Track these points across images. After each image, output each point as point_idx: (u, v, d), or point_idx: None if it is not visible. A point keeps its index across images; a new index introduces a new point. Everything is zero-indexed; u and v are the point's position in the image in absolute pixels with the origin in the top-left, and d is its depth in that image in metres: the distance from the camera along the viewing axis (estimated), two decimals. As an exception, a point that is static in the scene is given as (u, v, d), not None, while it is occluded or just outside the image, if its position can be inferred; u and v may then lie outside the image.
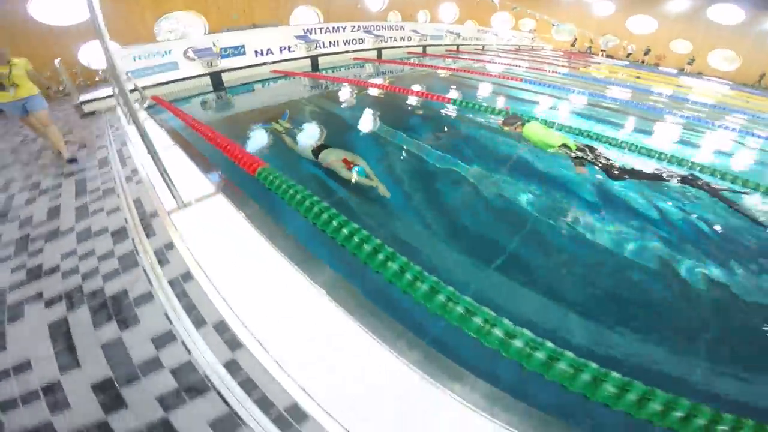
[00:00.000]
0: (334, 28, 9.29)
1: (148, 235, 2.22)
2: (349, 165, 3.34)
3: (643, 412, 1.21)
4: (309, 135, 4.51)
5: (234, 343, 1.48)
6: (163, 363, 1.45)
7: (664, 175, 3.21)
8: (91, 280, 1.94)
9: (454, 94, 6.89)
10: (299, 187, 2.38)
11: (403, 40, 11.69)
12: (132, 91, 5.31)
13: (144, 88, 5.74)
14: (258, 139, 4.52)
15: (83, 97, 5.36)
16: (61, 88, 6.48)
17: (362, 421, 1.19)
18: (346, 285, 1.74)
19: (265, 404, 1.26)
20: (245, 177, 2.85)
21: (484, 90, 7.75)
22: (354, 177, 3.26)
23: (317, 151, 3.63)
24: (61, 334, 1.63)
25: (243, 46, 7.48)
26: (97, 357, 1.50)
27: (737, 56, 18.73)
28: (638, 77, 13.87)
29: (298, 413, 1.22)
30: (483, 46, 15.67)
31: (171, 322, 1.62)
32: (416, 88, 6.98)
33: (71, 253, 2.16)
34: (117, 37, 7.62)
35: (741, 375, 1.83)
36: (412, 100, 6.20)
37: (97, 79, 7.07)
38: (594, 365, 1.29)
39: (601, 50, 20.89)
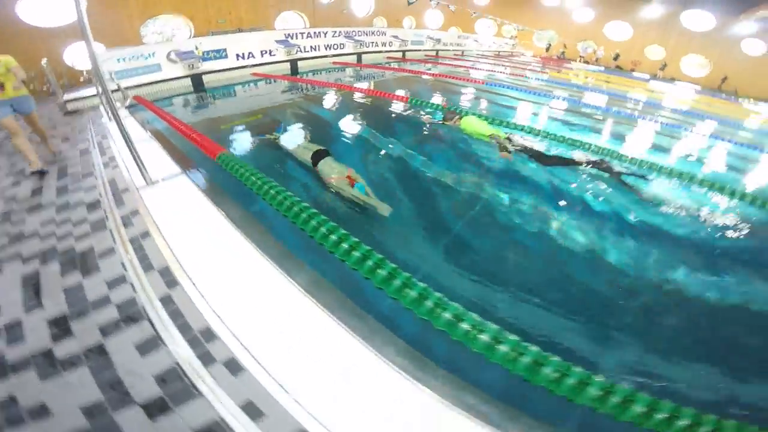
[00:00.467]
0: (315, 33, 9.72)
1: (117, 205, 2.58)
2: (351, 181, 3.21)
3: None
4: (302, 138, 4.49)
5: (171, 282, 1.84)
6: (111, 300, 1.81)
7: (576, 159, 3.68)
8: (64, 241, 2.29)
9: (413, 94, 7.35)
10: (255, 170, 2.75)
11: (384, 45, 12.15)
12: (114, 91, 5.64)
13: (127, 88, 6.09)
14: (251, 147, 4.58)
15: (67, 96, 5.67)
16: (45, 88, 6.78)
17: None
18: (288, 253, 2.12)
19: (186, 328, 1.62)
20: (210, 164, 3.23)
21: (444, 90, 8.23)
22: (357, 195, 3.11)
23: (316, 157, 3.55)
24: (32, 284, 1.97)
25: (225, 50, 7.86)
26: (58, 299, 1.85)
27: (708, 62, 19.58)
28: (607, 81, 14.54)
29: (212, 338, 1.58)
30: (462, 52, 16.20)
31: (125, 269, 1.98)
32: (391, 90, 7.43)
33: (50, 221, 2.51)
34: (103, 39, 7.97)
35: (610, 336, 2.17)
36: (384, 102, 6.62)
37: (81, 79, 7.37)
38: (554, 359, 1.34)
39: (579, 56, 21.62)
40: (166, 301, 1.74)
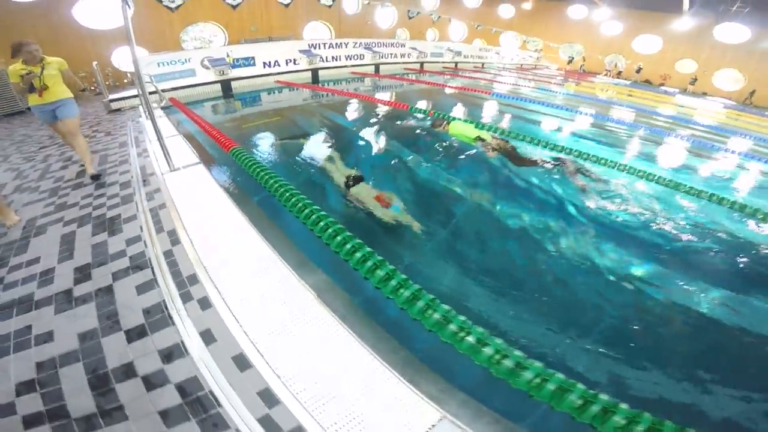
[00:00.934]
0: (337, 44, 10.28)
1: (144, 185, 3.04)
2: (384, 203, 3.21)
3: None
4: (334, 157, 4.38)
5: (175, 241, 2.21)
6: (126, 253, 2.20)
7: (538, 159, 3.90)
8: (98, 210, 2.74)
9: (420, 103, 7.66)
10: (263, 165, 3.12)
11: (403, 56, 12.59)
12: (153, 92, 6.30)
13: (164, 90, 6.77)
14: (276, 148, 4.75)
15: (111, 96, 6.41)
16: (92, 88, 7.63)
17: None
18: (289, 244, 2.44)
19: (177, 274, 1.97)
20: (225, 158, 3.67)
21: (455, 100, 8.48)
22: (390, 215, 3.11)
23: (349, 183, 3.52)
24: (68, 242, 2.40)
25: (253, 58, 8.52)
26: (86, 252, 2.26)
27: (742, 76, 18.69)
28: (630, 95, 14.26)
29: (194, 282, 1.92)
30: (483, 64, 16.37)
31: (141, 230, 2.38)
32: (404, 100, 7.79)
33: (88, 196, 2.99)
34: (146, 44, 8.85)
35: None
36: (391, 110, 6.95)
37: (125, 81, 8.21)
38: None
39: (606, 70, 21.21)
40: (168, 255, 2.11)
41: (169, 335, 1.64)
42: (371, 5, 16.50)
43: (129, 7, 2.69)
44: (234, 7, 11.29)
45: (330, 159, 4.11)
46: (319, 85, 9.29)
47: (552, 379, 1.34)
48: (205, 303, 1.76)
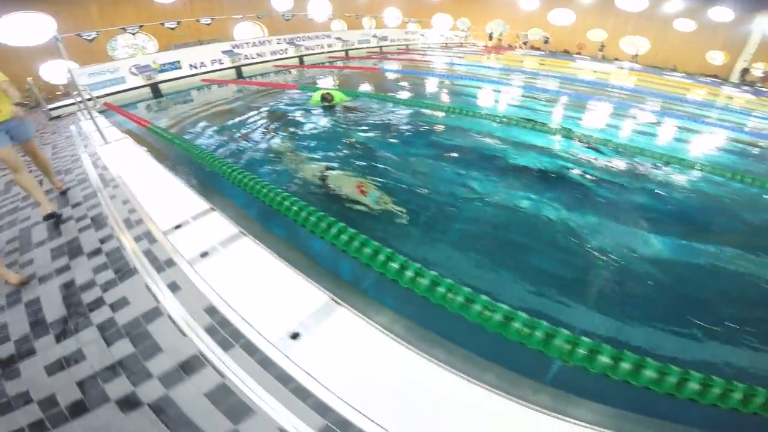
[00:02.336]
0: (260, 41, 11.54)
1: (81, 152, 4.44)
2: (363, 192, 3.34)
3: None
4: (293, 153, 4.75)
5: (103, 187, 3.67)
6: (87, 215, 3.64)
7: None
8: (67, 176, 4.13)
9: (327, 84, 9.21)
10: (197, 145, 4.58)
11: (330, 46, 13.98)
12: (88, 99, 7.44)
13: (98, 97, 7.89)
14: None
15: (50, 106, 7.52)
16: (26, 102, 8.62)
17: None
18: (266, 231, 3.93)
19: (130, 224, 3.44)
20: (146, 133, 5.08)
21: (362, 79, 10.10)
22: (368, 203, 3.26)
23: (325, 173, 3.71)
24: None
25: (179, 61, 9.68)
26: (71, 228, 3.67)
27: (646, 41, 21.39)
28: (542, 63, 16.41)
29: (153, 240, 3.40)
30: (407, 46, 18.00)
31: (92, 183, 3.82)
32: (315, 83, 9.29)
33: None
34: (75, 57, 9.73)
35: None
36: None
37: (57, 93, 9.19)
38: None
39: (522, 42, 23.36)
40: (110, 195, 3.58)
41: (136, 283, 2.38)
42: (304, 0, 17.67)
43: (59, 41, 4.04)
44: (173, 29, 12.19)
45: (290, 150, 4.52)
46: (245, 79, 10.58)
47: (540, 327, 1.65)
48: (150, 237, 3.23)
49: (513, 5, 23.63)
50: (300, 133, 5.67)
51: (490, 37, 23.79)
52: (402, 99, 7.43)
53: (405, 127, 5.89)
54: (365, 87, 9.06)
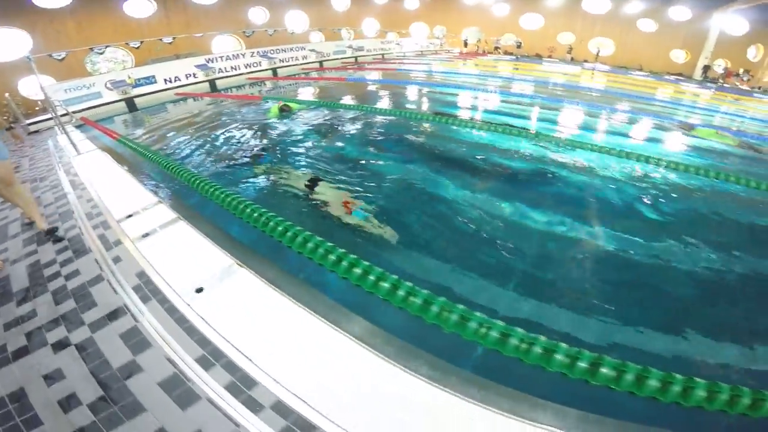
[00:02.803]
0: (234, 55, 12.12)
1: (59, 165, 4.91)
2: (348, 208, 3.30)
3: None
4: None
5: (76, 184, 4.15)
6: (56, 210, 4.11)
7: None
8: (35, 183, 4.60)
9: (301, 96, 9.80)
10: (171, 160, 5.06)
11: (305, 58, 14.63)
12: (63, 115, 7.90)
13: (75, 111, 8.35)
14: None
15: (29, 121, 7.97)
16: (5, 118, 9.04)
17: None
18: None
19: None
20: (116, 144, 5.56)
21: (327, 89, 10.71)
22: (354, 222, 3.22)
23: (313, 181, 3.73)
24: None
25: (154, 76, 10.20)
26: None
27: (611, 42, 22.45)
28: (516, 68, 17.25)
29: (107, 228, 3.88)
30: (383, 56, 18.75)
31: (63, 188, 4.29)
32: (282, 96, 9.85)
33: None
34: (52, 72, 10.19)
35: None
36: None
37: (36, 108, 9.64)
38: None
39: (495, 48, 24.32)
40: (75, 186, 4.05)
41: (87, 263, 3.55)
42: (280, 13, 18.37)
43: (31, 60, 4.54)
44: (137, 48, 12.62)
45: (273, 164, 4.63)
46: (219, 92, 11.13)
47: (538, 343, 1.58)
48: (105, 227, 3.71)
49: (486, 12, 24.62)
50: (258, 141, 6.21)
51: (465, 44, 24.75)
52: (357, 106, 8.02)
53: (361, 132, 6.46)
54: (328, 96, 9.68)
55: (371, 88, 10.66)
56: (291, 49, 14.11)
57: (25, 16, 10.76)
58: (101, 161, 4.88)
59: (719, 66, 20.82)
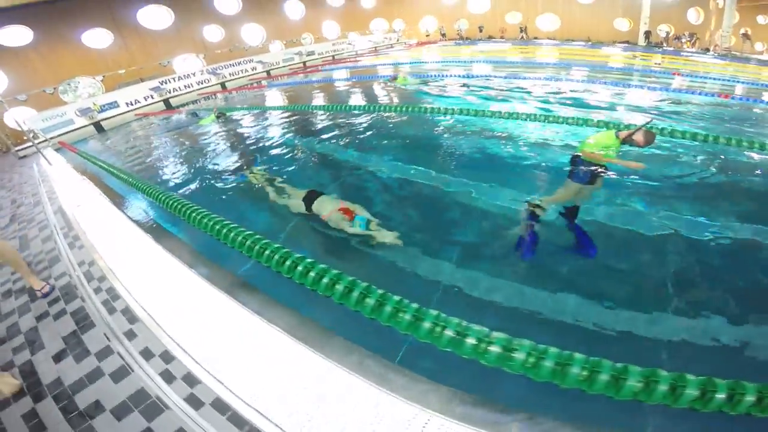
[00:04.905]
0: (184, 75, 14.54)
1: (41, 179, 7.33)
2: (350, 215, 3.33)
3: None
4: (289, 182, 4.75)
5: (52, 197, 6.54)
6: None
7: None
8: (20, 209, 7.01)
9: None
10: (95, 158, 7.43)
11: (254, 69, 16.98)
12: (41, 141, 10.38)
13: (52, 137, 10.83)
14: (236, 190, 5.22)
15: (17, 149, 10.49)
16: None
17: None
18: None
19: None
20: (73, 156, 7.98)
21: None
22: (358, 230, 3.24)
23: (309, 200, 3.72)
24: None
25: (116, 101, 12.68)
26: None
27: (557, 17, 24.15)
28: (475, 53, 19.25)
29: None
30: (333, 57, 20.94)
31: (40, 186, 6.70)
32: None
33: (12, 190, 7.25)
34: (33, 104, 12.50)
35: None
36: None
37: (24, 138, 12.14)
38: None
39: (457, 34, 26.24)
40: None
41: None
42: (235, 28, 20.65)
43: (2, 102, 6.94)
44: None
45: (267, 182, 4.65)
46: (172, 108, 13.57)
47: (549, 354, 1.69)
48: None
49: (437, 1, 26.55)
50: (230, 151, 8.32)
51: (428, 34, 26.74)
52: (277, 106, 10.29)
53: (292, 128, 8.49)
54: (253, 102, 12.03)
55: (290, 89, 13.05)
56: (239, 63, 16.45)
57: None
58: (77, 181, 6.75)
59: (662, 31, 22.34)
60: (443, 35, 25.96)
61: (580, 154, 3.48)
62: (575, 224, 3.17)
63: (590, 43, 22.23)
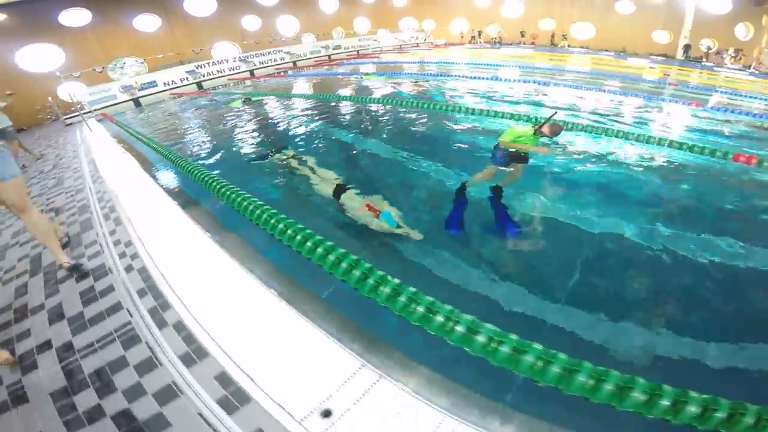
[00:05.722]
0: (218, 61, 15.76)
1: (82, 144, 8.51)
2: (375, 212, 3.39)
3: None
4: (321, 168, 4.75)
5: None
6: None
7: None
8: (52, 173, 8.20)
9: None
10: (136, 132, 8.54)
11: (283, 59, 18.05)
12: (87, 112, 11.74)
13: (96, 109, 12.21)
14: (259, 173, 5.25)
15: (64, 118, 11.93)
16: (49, 116, 13.12)
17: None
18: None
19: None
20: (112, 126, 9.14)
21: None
22: (384, 226, 3.30)
23: (338, 191, 3.83)
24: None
25: (155, 81, 14.01)
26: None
27: (592, 26, 23.79)
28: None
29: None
30: (358, 52, 21.74)
31: (77, 155, 7.84)
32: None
33: (55, 156, 8.46)
34: (83, 79, 14.13)
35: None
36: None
37: (72, 108, 13.69)
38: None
39: (492, 38, 26.33)
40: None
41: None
42: (272, 19, 21.91)
43: (60, 76, 8.12)
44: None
45: (303, 164, 4.70)
46: (204, 90, 14.78)
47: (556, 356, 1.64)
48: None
49: (470, 4, 26.79)
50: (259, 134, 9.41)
51: (462, 36, 27.05)
52: (299, 94, 11.14)
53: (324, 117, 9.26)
54: (283, 89, 12.96)
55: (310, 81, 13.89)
56: (269, 53, 17.54)
57: (54, 33, 14.36)
58: (114, 149, 7.85)
59: (703, 46, 21.55)
60: (473, 38, 26.14)
61: (499, 142, 4.07)
62: (500, 204, 3.65)
63: (623, 54, 21.80)
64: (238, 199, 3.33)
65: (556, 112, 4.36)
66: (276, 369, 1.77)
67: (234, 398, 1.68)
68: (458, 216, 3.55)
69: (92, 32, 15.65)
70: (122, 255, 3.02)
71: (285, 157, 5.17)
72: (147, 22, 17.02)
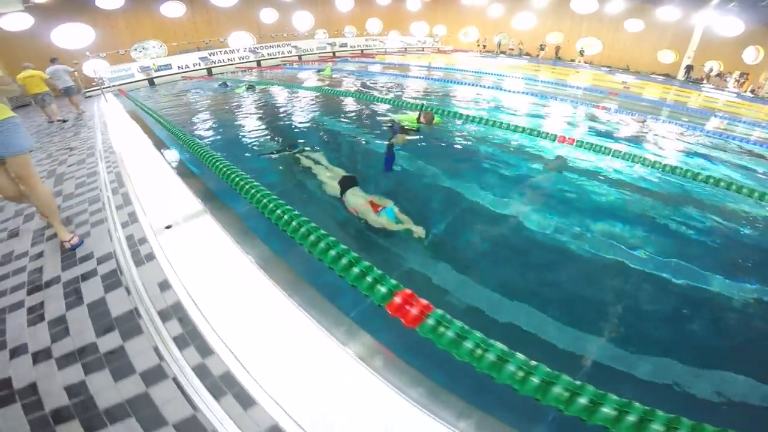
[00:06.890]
0: (229, 50, 17.38)
1: (98, 117, 10.14)
2: (376, 208, 3.44)
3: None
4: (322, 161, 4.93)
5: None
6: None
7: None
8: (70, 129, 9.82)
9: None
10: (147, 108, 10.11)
11: (290, 52, 19.57)
12: (106, 87, 13.46)
13: (115, 85, 13.93)
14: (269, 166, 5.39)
15: (85, 90, 13.69)
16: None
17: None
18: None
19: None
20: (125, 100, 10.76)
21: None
22: (385, 222, 3.35)
23: (344, 185, 3.92)
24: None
25: (170, 64, 15.71)
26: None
27: (598, 41, 24.35)
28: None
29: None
30: (362, 51, 23.06)
31: (91, 128, 9.43)
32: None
33: (68, 130, 10.10)
34: (108, 57, 15.96)
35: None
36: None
37: (93, 83, 15.49)
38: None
39: (510, 48, 27.15)
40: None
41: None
42: (289, 13, 23.49)
43: (89, 55, 9.74)
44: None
45: (308, 158, 4.89)
46: (211, 75, 16.39)
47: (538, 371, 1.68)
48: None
49: (482, 11, 27.72)
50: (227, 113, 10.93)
51: (478, 44, 28.03)
52: (295, 85, 12.55)
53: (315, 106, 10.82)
54: (282, 79, 14.40)
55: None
56: (278, 45, 19.09)
57: (88, 13, 15.88)
58: (127, 121, 8.82)
59: (707, 67, 21.80)
60: (484, 46, 27.10)
61: (399, 120, 6.04)
62: (390, 153, 5.11)
63: (627, 71, 22.31)
64: (242, 184, 3.47)
65: (423, 104, 5.83)
66: (281, 372, 1.80)
67: (236, 399, 1.71)
68: (390, 162, 4.97)
69: (122, 15, 17.41)
70: (125, 224, 3.30)
71: (296, 152, 5.32)
72: (173, 9, 18.75)
